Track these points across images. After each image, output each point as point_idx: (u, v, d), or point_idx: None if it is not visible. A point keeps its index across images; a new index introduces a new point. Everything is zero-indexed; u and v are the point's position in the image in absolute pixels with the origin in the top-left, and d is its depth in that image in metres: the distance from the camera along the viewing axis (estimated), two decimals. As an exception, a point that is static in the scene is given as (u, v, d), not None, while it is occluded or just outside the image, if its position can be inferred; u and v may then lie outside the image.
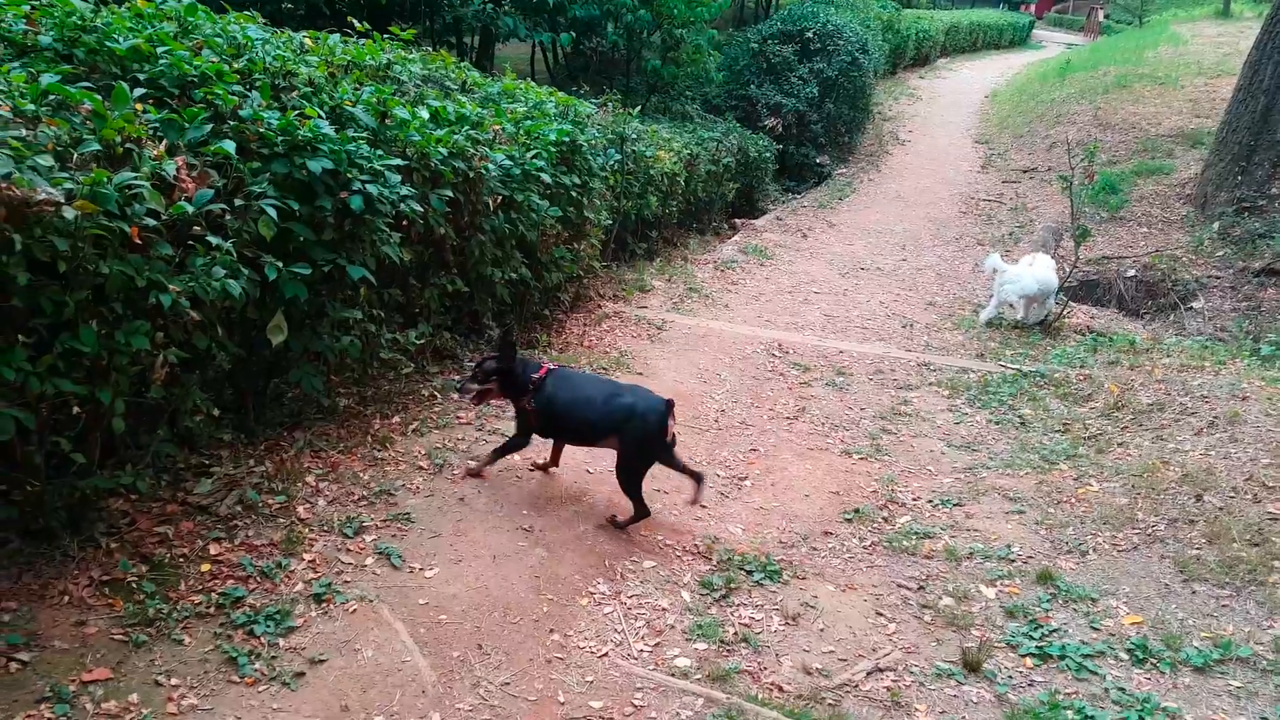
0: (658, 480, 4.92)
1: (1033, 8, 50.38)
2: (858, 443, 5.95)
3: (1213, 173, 12.17)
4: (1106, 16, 39.26)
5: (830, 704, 3.29)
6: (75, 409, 3.01)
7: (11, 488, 3.05)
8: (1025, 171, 15.80)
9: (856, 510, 4.90)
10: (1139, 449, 5.59)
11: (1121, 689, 3.48)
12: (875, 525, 4.80)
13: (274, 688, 2.95)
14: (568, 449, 4.71)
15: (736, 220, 12.34)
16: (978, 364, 7.61)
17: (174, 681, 2.88)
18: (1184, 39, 21.76)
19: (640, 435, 4.15)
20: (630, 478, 4.27)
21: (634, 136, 8.32)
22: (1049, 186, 14.07)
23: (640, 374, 6.53)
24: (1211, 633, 3.82)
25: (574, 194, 6.34)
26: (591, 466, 4.94)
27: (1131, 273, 11.20)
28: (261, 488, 3.89)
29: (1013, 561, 4.42)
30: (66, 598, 3.07)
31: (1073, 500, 5.04)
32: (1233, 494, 4.82)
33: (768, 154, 13.09)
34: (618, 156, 7.70)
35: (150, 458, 3.60)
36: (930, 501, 5.14)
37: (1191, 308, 10.35)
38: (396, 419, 4.86)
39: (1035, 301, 8.65)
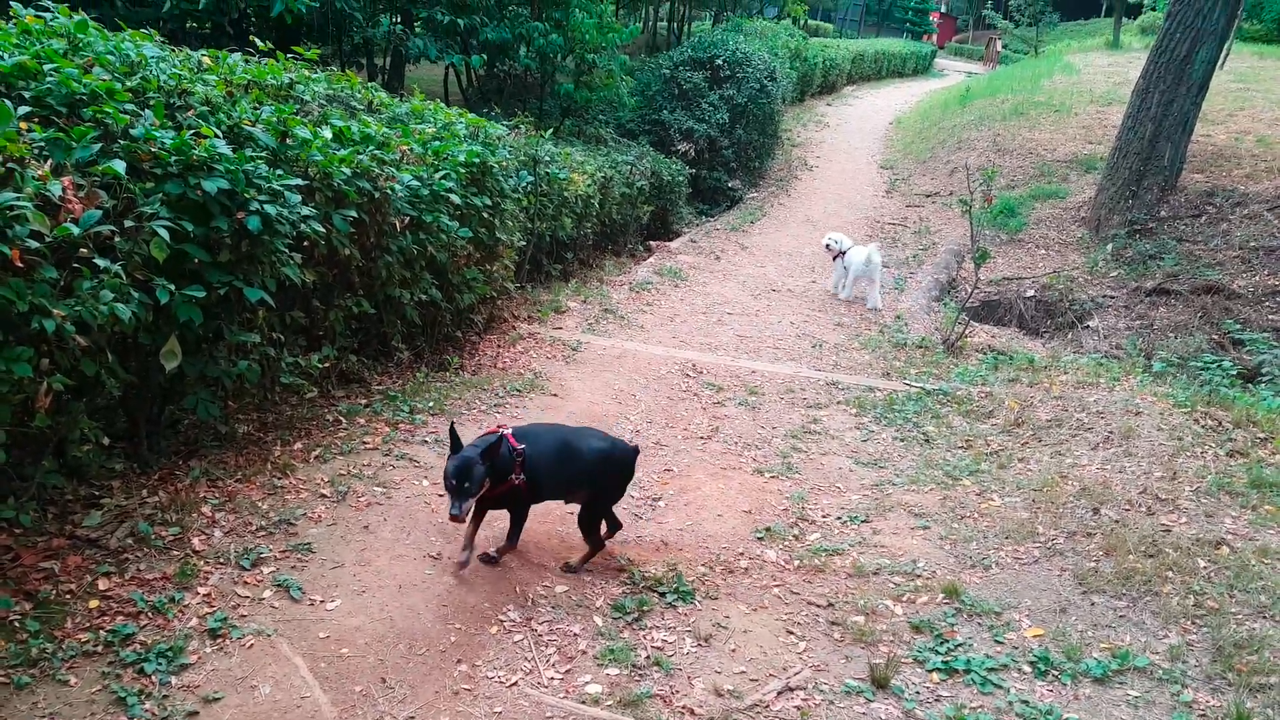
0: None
1: (935, 37, 52.50)
2: (769, 461, 6.04)
3: (1105, 196, 12.88)
4: (1004, 47, 41.18)
5: (740, 726, 3.31)
6: (-54, 441, 2.83)
7: None
8: (928, 196, 16.41)
9: (768, 529, 4.96)
10: (1039, 464, 5.82)
11: (1025, 701, 3.57)
12: (786, 543, 4.87)
13: (166, 736, 2.82)
14: None
15: (651, 242, 12.45)
16: (884, 382, 7.83)
17: (48, 737, 2.72)
18: (1077, 69, 23.00)
19: (618, 481, 4.32)
20: (596, 520, 4.32)
21: (547, 159, 8.33)
22: (951, 210, 14.63)
23: (555, 395, 6.51)
24: (1110, 644, 3.96)
25: (485, 215, 6.30)
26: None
27: (1030, 293, 11.72)
28: (154, 519, 3.72)
29: (919, 577, 4.53)
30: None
31: (976, 515, 5.22)
32: (1128, 507, 5.07)
33: (681, 177, 13.28)
34: (530, 178, 7.69)
35: (35, 489, 3.41)
36: (839, 518, 5.25)
37: (1088, 326, 10.87)
38: (299, 445, 4.72)
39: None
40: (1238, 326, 9.55)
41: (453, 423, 3.74)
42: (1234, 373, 7.81)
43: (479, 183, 6.29)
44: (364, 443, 4.95)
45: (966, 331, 9.14)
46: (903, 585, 4.43)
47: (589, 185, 9.45)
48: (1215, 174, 13.17)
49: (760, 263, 12.22)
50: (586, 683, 3.45)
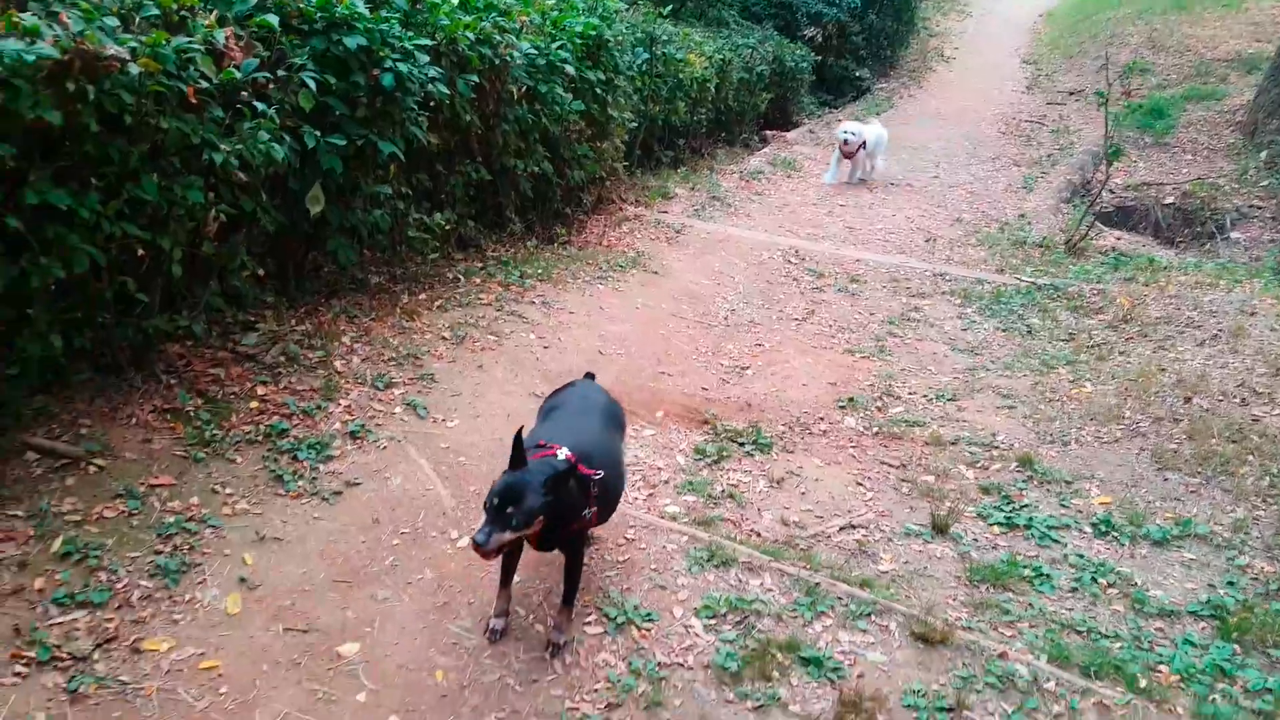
0: (662, 363, 5.26)
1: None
2: (862, 343, 6.19)
3: (1266, 99, 11.88)
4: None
5: (802, 549, 3.65)
6: (140, 252, 3.37)
7: (85, 324, 3.43)
8: (1071, 93, 15.48)
9: (851, 399, 5.18)
10: (1139, 357, 5.77)
11: (1080, 555, 3.76)
12: (867, 414, 5.08)
13: (315, 501, 3.38)
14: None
15: (767, 132, 12.36)
16: (994, 276, 7.76)
17: (229, 491, 3.32)
18: (1254, -43, 20.77)
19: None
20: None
21: (664, 38, 8.39)
22: (1094, 110, 13.81)
23: (656, 273, 6.80)
24: (1174, 514, 4.08)
25: (598, 90, 6.51)
26: (604, 348, 5.28)
27: (1170, 200, 11.09)
28: (302, 344, 4.28)
29: (996, 448, 4.69)
30: (133, 420, 3.49)
31: (1064, 399, 5.28)
32: (1221, 398, 5.04)
33: (805, 64, 12.98)
34: (646, 56, 7.80)
35: (203, 308, 3.97)
36: (925, 396, 5.39)
37: (1228, 237, 10.29)
38: (423, 296, 5.21)
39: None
40: (1394, 241, 8.86)
41: (519, 431, 2.72)
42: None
43: (594, 56, 6.49)
44: (479, 299, 5.40)
45: (1092, 233, 8.82)
46: (978, 454, 4.60)
47: (706, 69, 9.46)
48: (1397, 75, 11.90)
49: (882, 156, 11.96)
50: (666, 504, 3.86)
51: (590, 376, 3.59)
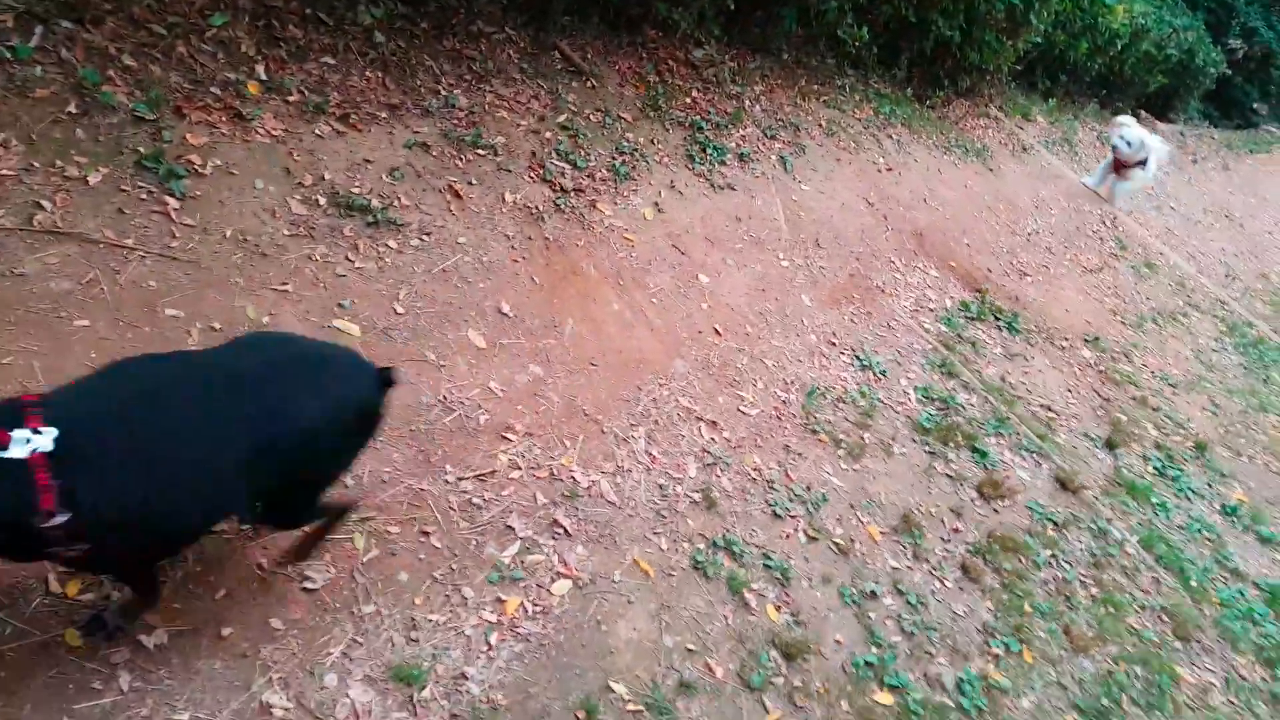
0: (964, 235, 6.17)
1: None
2: (1125, 311, 6.83)
3: None
4: None
5: (1007, 399, 4.72)
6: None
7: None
8: None
9: (1097, 339, 5.97)
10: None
11: (1202, 516, 4.67)
12: (1102, 355, 5.87)
13: (706, 185, 4.77)
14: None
15: (1142, 111, 12.12)
16: (1266, 329, 7.99)
17: (658, 146, 4.74)
18: None
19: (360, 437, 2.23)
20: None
21: (1103, -24, 8.57)
22: None
23: (991, 171, 7.52)
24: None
25: (1026, -7, 7.07)
26: (929, 199, 6.25)
27: None
28: (728, 76, 5.52)
29: (1184, 429, 5.46)
30: (616, 67, 4.92)
31: (1262, 432, 5.92)
32: None
33: (1213, 70, 12.37)
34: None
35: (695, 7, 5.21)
36: (1152, 373, 6.10)
37: None
38: (816, 87, 6.30)
39: None
40: None
41: None
42: None
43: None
44: (855, 113, 6.44)
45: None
46: (1167, 425, 5.40)
47: (1124, 24, 9.50)
48: None
49: (1230, 186, 11.68)
50: (924, 321, 5.00)
51: (388, 379, 2.15)
